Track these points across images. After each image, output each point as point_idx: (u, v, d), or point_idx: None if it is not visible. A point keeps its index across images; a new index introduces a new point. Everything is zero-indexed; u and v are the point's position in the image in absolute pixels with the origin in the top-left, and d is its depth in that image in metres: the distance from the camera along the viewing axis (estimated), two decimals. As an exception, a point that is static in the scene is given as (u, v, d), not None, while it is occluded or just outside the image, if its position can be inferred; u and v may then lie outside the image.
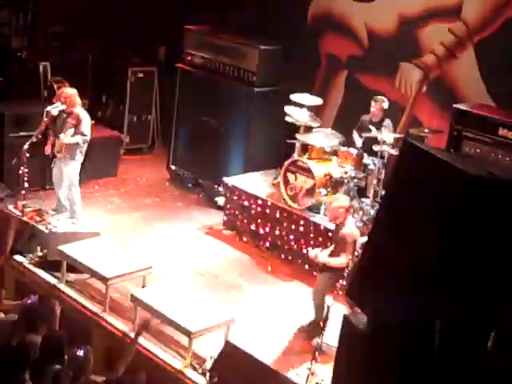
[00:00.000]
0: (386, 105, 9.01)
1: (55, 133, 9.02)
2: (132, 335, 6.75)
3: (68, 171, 9.04)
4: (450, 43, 9.19)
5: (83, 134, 8.89)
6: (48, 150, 9.12)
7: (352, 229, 7.36)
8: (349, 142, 9.17)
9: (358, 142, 9.07)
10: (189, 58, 10.80)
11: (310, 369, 6.49)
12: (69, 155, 8.95)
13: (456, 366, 4.50)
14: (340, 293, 7.08)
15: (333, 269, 7.24)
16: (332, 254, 7.32)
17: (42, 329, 6.02)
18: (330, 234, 8.45)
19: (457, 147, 8.13)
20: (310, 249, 8.63)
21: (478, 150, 8.01)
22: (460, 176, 4.44)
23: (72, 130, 8.85)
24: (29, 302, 6.47)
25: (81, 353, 5.67)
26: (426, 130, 8.63)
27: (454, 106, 8.28)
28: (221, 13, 11.14)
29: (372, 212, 8.54)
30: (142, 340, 6.89)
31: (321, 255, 7.36)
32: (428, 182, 4.66)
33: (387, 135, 8.65)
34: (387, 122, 8.99)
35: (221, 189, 9.83)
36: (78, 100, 9.03)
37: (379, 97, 9.07)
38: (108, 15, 11.68)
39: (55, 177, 9.20)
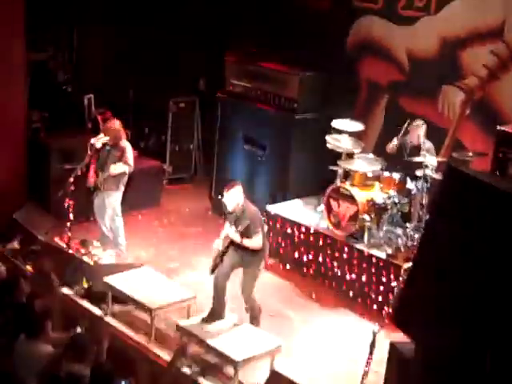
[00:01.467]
0: (422, 132, 8.90)
1: (98, 165, 9.13)
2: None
3: (111, 202, 9.12)
4: (492, 65, 9.10)
5: (129, 165, 8.99)
6: (91, 182, 9.17)
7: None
8: (390, 167, 9.10)
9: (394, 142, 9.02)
10: (229, 86, 10.88)
11: (357, 397, 6.42)
12: (114, 187, 9.05)
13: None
14: (386, 320, 7.00)
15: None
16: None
17: (89, 360, 6.05)
18: (375, 260, 8.40)
19: (502, 170, 8.01)
20: (353, 275, 8.62)
21: (524, 172, 7.89)
22: (506, 199, 4.37)
23: (120, 164, 8.95)
24: (75, 333, 6.51)
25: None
26: (470, 154, 8.52)
27: (498, 127, 8.18)
28: (260, 40, 11.17)
29: (416, 237, 8.44)
30: (187, 370, 6.91)
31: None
32: (472, 207, 4.60)
33: (430, 158, 8.57)
34: (428, 144, 8.90)
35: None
36: (123, 132, 9.14)
37: (415, 123, 8.94)
38: (148, 46, 11.86)
39: (97, 208, 9.28)
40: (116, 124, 9.15)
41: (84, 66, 12.14)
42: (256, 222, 7.31)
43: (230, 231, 7.35)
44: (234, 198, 7.36)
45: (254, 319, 7.56)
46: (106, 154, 9.05)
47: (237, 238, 7.26)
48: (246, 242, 7.26)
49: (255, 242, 7.28)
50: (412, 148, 8.95)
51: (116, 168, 8.93)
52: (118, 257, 9.19)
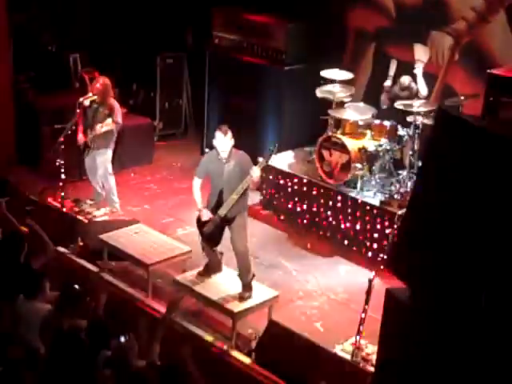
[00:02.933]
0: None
1: (87, 124, 9.08)
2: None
3: (103, 160, 9.10)
4: (480, 8, 9.02)
5: (117, 123, 8.94)
6: (81, 141, 9.10)
7: None
8: (381, 115, 9.10)
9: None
10: (216, 40, 10.79)
11: (355, 343, 6.49)
12: (103, 145, 9.01)
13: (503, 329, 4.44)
14: (381, 267, 7.05)
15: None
16: None
17: (86, 315, 6.10)
18: (368, 207, 8.44)
19: (493, 113, 7.99)
20: (347, 224, 8.64)
21: (515, 115, 7.87)
22: (499, 142, 4.37)
23: (109, 120, 8.89)
24: (67, 287, 6.53)
25: (124, 340, 5.71)
26: (462, 98, 8.47)
27: (488, 71, 8.14)
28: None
29: (409, 184, 8.47)
30: (185, 323, 6.98)
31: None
32: (465, 151, 4.60)
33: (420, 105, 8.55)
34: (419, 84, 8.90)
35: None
36: (111, 89, 9.07)
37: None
38: (134, 2, 11.72)
39: (89, 167, 9.26)
40: (103, 81, 9.08)
41: (68, 24, 11.98)
42: (250, 161, 7.02)
43: (255, 172, 6.74)
44: (230, 142, 6.96)
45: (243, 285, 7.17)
46: (94, 112, 8.99)
47: (258, 172, 6.81)
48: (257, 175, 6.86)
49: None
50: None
51: (103, 126, 8.87)
52: (113, 214, 9.19)
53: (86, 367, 5.54)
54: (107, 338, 5.80)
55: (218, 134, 6.96)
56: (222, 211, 6.96)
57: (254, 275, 7.15)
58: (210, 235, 7.09)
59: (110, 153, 9.13)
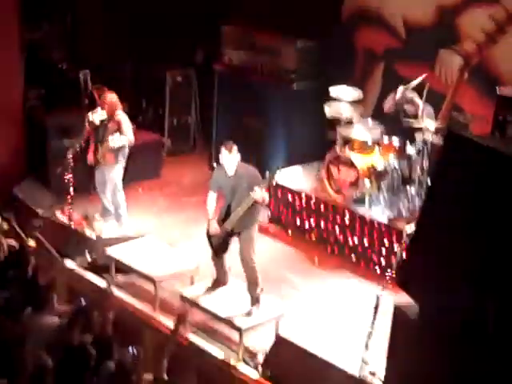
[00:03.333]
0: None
1: (97, 140, 9.11)
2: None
3: (112, 176, 9.11)
4: (490, 29, 9.06)
5: (126, 136, 8.97)
6: (90, 157, 9.15)
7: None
8: (389, 131, 9.11)
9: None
10: (226, 57, 10.85)
11: (363, 358, 6.46)
12: (113, 160, 9.04)
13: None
14: (390, 283, 7.03)
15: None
16: None
17: (94, 331, 6.11)
18: (376, 224, 8.45)
19: (502, 132, 8.00)
20: (355, 240, 8.65)
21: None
22: (507, 162, 4.39)
23: (117, 135, 8.92)
24: (80, 304, 6.56)
25: (131, 352, 5.72)
26: (469, 116, 8.49)
27: (498, 90, 8.16)
28: (258, 10, 11.11)
29: (417, 201, 8.47)
30: (193, 337, 6.98)
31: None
32: (474, 170, 4.62)
33: (429, 123, 8.56)
34: (428, 108, 8.89)
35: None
36: (119, 104, 9.12)
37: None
38: (145, 19, 11.82)
39: (98, 182, 9.28)
40: (111, 96, 9.14)
41: (79, 42, 12.09)
42: (259, 177, 7.06)
43: (256, 193, 6.79)
44: (236, 158, 7.05)
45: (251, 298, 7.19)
46: (103, 127, 9.03)
47: (265, 195, 6.88)
48: (266, 196, 6.94)
49: (266, 195, 7.02)
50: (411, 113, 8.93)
51: (114, 140, 8.87)
52: (121, 229, 9.21)
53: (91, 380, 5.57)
54: (112, 352, 5.82)
55: (224, 151, 7.07)
56: (228, 225, 7.07)
57: (262, 289, 7.15)
58: (217, 246, 7.23)
59: (119, 168, 9.15)
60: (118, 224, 9.28)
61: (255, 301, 7.09)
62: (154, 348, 7.15)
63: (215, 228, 7.13)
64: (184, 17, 11.84)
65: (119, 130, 8.95)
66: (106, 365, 5.60)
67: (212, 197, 7.27)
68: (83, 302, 6.66)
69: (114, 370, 5.64)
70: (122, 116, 9.06)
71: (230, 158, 7.04)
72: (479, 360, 4.58)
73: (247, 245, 7.12)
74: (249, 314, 7.00)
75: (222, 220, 7.12)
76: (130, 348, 5.84)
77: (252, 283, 7.13)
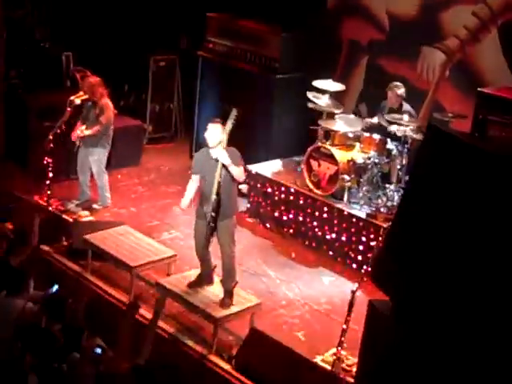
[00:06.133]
0: (401, 91, 8.94)
1: (81, 121, 9.12)
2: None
3: (96, 159, 9.16)
4: (473, 26, 9.08)
5: (100, 123, 8.98)
6: (75, 136, 9.11)
7: None
8: (370, 128, 9.15)
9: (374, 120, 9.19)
10: (210, 45, 10.81)
11: (336, 354, 6.51)
12: (94, 143, 9.07)
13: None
14: (365, 279, 7.06)
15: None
16: None
17: (65, 318, 6.09)
18: (354, 219, 8.47)
19: (482, 131, 8.04)
20: (333, 235, 8.67)
21: (503, 134, 7.92)
22: (488, 159, 4.40)
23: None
24: (52, 291, 6.51)
25: (98, 351, 5.69)
26: (450, 115, 8.54)
27: (478, 89, 8.20)
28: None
29: (396, 197, 8.51)
30: (168, 327, 6.98)
31: None
32: (454, 167, 4.63)
33: (409, 120, 8.60)
34: (406, 106, 8.94)
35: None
36: (103, 89, 9.07)
37: (393, 83, 9.00)
38: (130, 2, 11.72)
39: (80, 162, 9.27)
40: (93, 80, 9.09)
41: (62, 22, 11.97)
42: (238, 157, 6.97)
43: (219, 153, 6.75)
44: (218, 132, 6.86)
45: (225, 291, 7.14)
46: (87, 111, 9.08)
47: (227, 160, 6.76)
48: (234, 169, 6.83)
49: (241, 171, 6.95)
50: (392, 111, 8.96)
51: (88, 129, 8.99)
52: (100, 211, 9.24)
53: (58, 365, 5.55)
54: (80, 340, 5.80)
55: (210, 126, 6.95)
56: (209, 208, 6.91)
57: (236, 282, 7.15)
58: (199, 238, 7.11)
59: (103, 151, 9.17)
60: (101, 204, 9.35)
61: (229, 294, 7.08)
62: (130, 337, 7.18)
63: (184, 206, 7.20)
64: (169, 2, 11.78)
65: (99, 115, 8.95)
66: (72, 355, 5.59)
67: (194, 179, 7.18)
68: (56, 288, 6.60)
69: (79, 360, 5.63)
70: (105, 102, 9.03)
71: (211, 130, 6.91)
72: (453, 356, 4.61)
73: (227, 235, 7.06)
74: (222, 305, 6.99)
75: (204, 202, 7.00)
76: (98, 349, 5.76)
77: (227, 276, 7.11)
